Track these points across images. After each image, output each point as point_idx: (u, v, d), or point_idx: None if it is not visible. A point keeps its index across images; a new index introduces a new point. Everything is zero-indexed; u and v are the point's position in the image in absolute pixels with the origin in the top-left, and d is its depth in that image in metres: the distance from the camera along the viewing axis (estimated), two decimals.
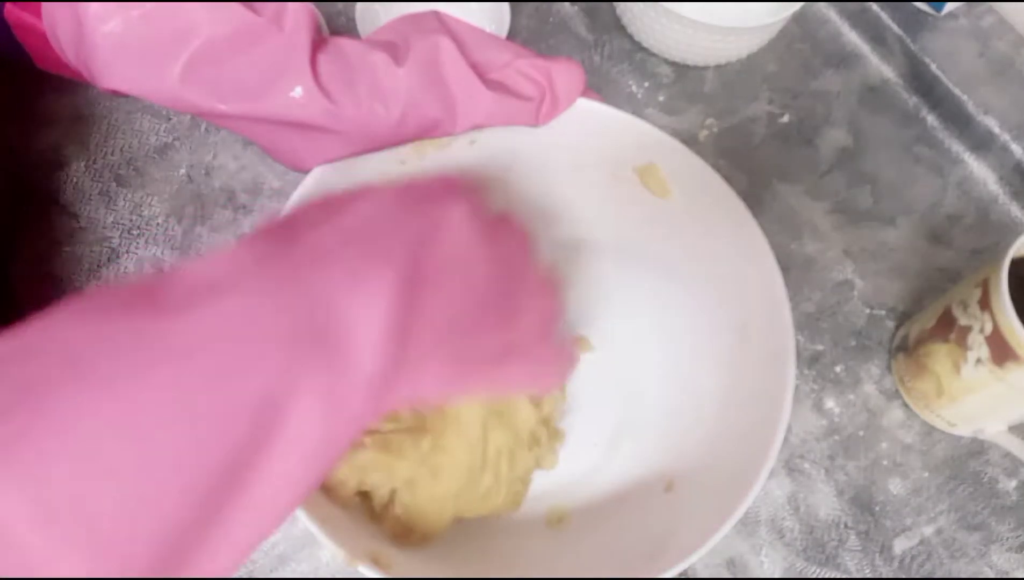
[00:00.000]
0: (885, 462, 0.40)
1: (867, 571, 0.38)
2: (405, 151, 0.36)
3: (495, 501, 0.33)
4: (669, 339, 0.38)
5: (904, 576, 0.38)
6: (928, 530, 0.39)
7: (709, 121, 0.48)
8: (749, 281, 0.35)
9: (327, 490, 0.31)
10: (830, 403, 0.41)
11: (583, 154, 0.38)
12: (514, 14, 0.48)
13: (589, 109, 0.36)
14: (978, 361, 0.35)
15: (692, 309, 0.38)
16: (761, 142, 0.48)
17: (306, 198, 0.33)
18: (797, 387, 0.41)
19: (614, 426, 0.37)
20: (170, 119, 0.45)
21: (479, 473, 0.32)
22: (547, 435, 0.36)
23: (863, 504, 0.39)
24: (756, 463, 0.30)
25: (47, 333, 0.16)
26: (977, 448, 0.41)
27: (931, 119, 0.49)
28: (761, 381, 0.33)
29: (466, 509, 0.32)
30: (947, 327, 0.37)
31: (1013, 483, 0.40)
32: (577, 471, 0.36)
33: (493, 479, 0.33)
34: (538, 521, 0.35)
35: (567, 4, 0.51)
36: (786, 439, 0.40)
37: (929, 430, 0.41)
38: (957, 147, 0.49)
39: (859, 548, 0.38)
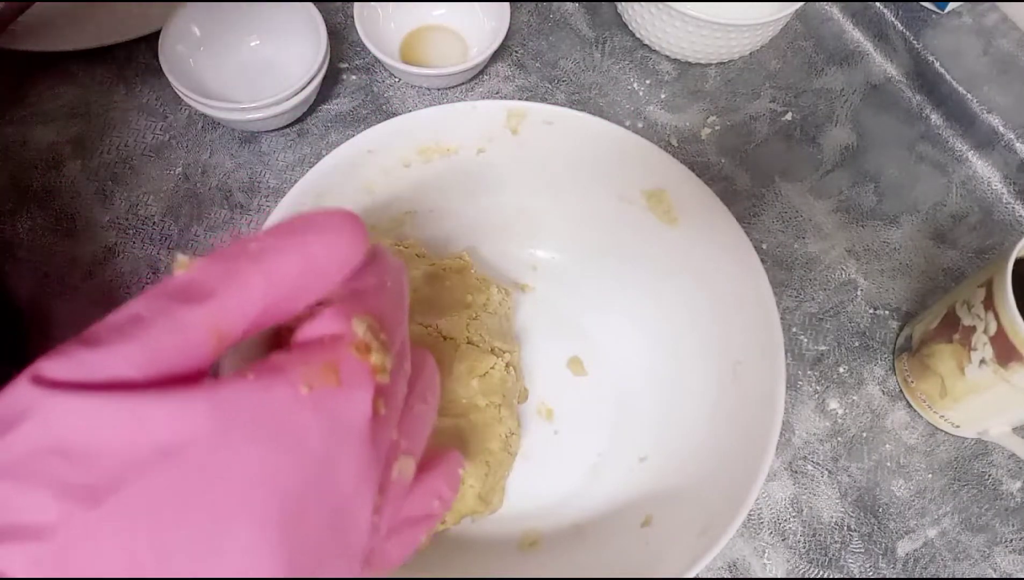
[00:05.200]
0: (889, 464, 0.40)
1: (870, 573, 0.37)
2: (410, 154, 0.36)
3: (466, 504, 0.32)
4: (662, 370, 0.38)
5: (908, 578, 0.37)
6: (932, 532, 0.38)
7: (711, 119, 0.48)
8: (746, 319, 0.34)
9: None
10: (833, 404, 0.41)
11: (591, 171, 0.37)
12: (514, 11, 0.48)
13: (600, 128, 0.36)
14: (982, 362, 0.35)
15: (686, 342, 0.37)
16: (764, 140, 0.47)
17: (302, 198, 0.33)
18: (800, 388, 0.41)
19: (598, 452, 0.37)
20: (166, 117, 0.44)
21: None
22: (504, 403, 0.34)
23: (866, 506, 0.39)
24: (735, 503, 0.30)
25: None
26: (981, 450, 0.40)
27: (935, 117, 0.49)
28: (749, 423, 0.32)
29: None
30: (951, 327, 0.37)
31: (1017, 484, 0.40)
32: (556, 495, 0.36)
33: None
34: (511, 543, 0.34)
35: (568, 1, 0.50)
36: (789, 440, 0.40)
37: (933, 431, 0.41)
38: (961, 146, 0.48)
39: (862, 550, 0.38)
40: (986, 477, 0.40)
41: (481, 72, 0.48)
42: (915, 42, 0.49)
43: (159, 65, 0.40)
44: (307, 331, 0.20)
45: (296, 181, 0.33)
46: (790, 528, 0.38)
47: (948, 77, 0.48)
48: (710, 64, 0.49)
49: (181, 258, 0.19)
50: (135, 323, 0.17)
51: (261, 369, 0.18)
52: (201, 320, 0.17)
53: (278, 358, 0.18)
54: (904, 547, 0.38)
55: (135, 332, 0.17)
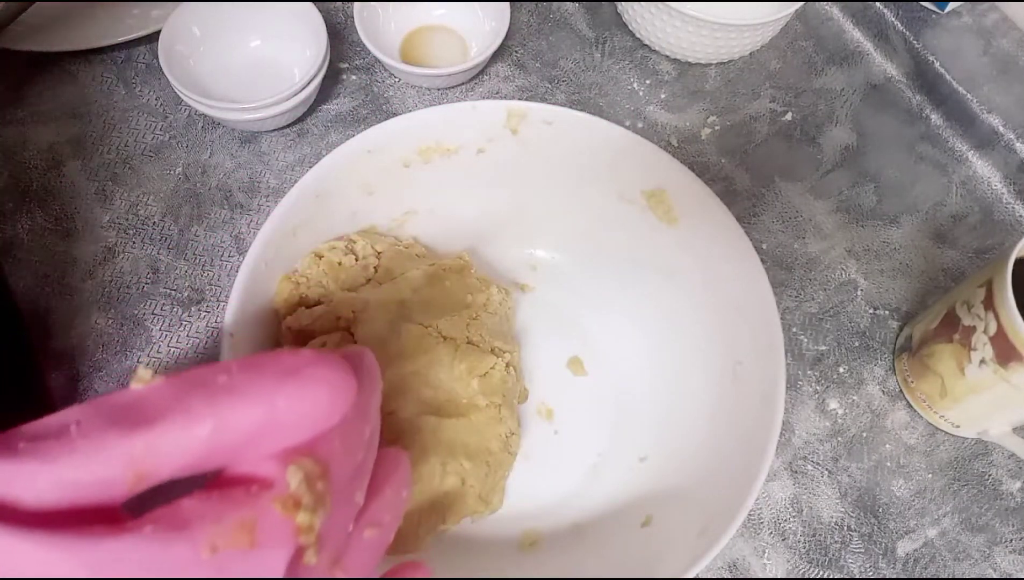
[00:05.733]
0: (889, 464, 0.40)
1: (870, 573, 0.37)
2: (410, 154, 0.36)
3: (466, 504, 0.32)
4: (662, 370, 0.38)
5: (908, 578, 0.37)
6: (932, 532, 0.38)
7: (711, 119, 0.48)
8: (746, 319, 0.34)
9: None
10: (833, 404, 0.41)
11: (591, 171, 0.37)
12: (514, 11, 0.48)
13: (600, 127, 0.36)
14: (982, 362, 0.35)
15: (686, 343, 0.37)
16: (764, 140, 0.47)
17: (302, 198, 0.33)
18: (800, 388, 0.41)
19: (598, 452, 0.37)
20: (166, 117, 0.44)
21: (439, 481, 0.31)
22: (504, 403, 0.34)
23: (866, 506, 0.39)
24: (735, 503, 0.29)
25: None
26: (981, 450, 0.40)
27: (935, 117, 0.49)
28: (750, 423, 0.32)
29: (438, 517, 0.32)
30: (951, 327, 0.37)
31: (1017, 484, 0.40)
32: (556, 495, 0.36)
33: (458, 481, 0.32)
34: (511, 543, 0.34)
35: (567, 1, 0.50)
36: (789, 440, 0.40)
37: (933, 431, 0.41)
38: (961, 146, 0.48)
39: (862, 550, 0.38)
40: (986, 477, 0.40)
41: (481, 72, 0.48)
42: (915, 42, 0.49)
43: (159, 65, 0.40)
44: (238, 467, 0.18)
45: (296, 181, 0.33)
46: (790, 528, 0.38)
47: (948, 77, 0.48)
48: (710, 64, 0.49)
49: (141, 372, 0.17)
50: (58, 438, 0.16)
51: (163, 521, 0.16)
52: (124, 455, 0.16)
53: (189, 507, 0.16)
54: (904, 547, 0.38)
55: (51, 452, 0.15)
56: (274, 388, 0.17)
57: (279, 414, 0.17)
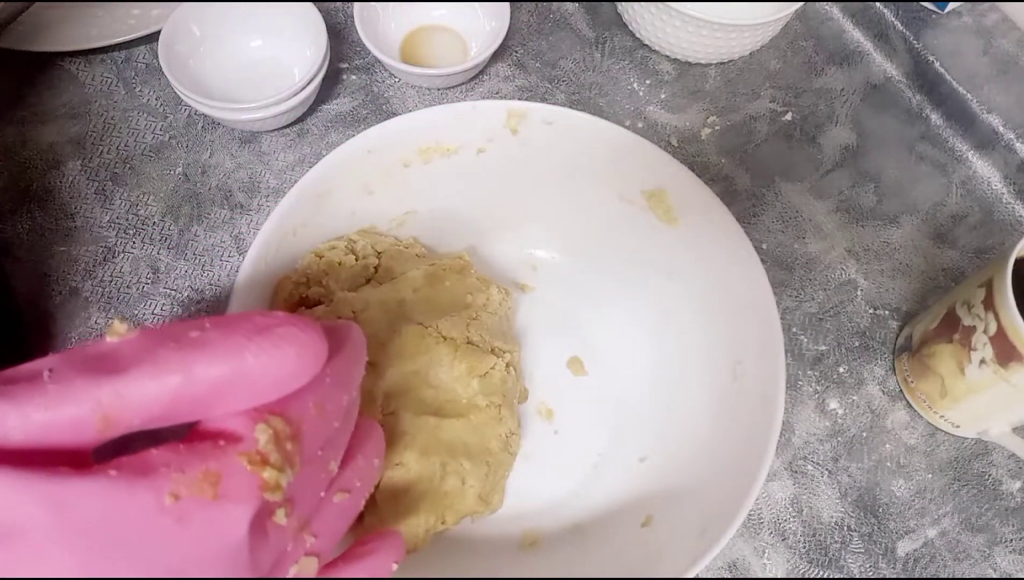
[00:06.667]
0: (889, 464, 0.40)
1: (870, 573, 0.37)
2: (410, 154, 0.36)
3: (466, 504, 0.32)
4: (662, 370, 0.38)
5: (908, 578, 0.37)
6: (932, 532, 0.38)
7: (711, 119, 0.48)
8: (746, 319, 0.34)
9: None
10: (833, 404, 0.41)
11: (591, 171, 0.37)
12: (514, 11, 0.48)
13: (600, 127, 0.36)
14: (982, 362, 0.35)
15: (686, 343, 0.37)
16: (764, 140, 0.47)
17: (302, 198, 0.33)
18: (800, 388, 0.41)
19: (598, 452, 0.37)
20: (166, 117, 0.44)
21: (440, 481, 0.31)
22: (504, 403, 0.34)
23: (866, 506, 0.39)
24: (735, 504, 0.29)
25: None
26: (981, 449, 0.40)
27: (935, 117, 0.49)
28: (750, 423, 0.32)
29: (438, 517, 0.32)
30: (951, 327, 0.37)
31: (1017, 484, 0.40)
32: (556, 495, 0.36)
33: (458, 481, 0.32)
34: (511, 543, 0.34)
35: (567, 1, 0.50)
36: (789, 440, 0.40)
37: (933, 431, 0.41)
38: (961, 146, 0.48)
39: (862, 550, 0.38)
40: (986, 477, 0.40)
41: (481, 72, 0.48)
42: (915, 42, 0.49)
43: (159, 65, 0.40)
44: (209, 422, 0.18)
45: (296, 181, 0.33)
46: (790, 528, 0.38)
47: (948, 77, 0.48)
48: (710, 64, 0.49)
49: (117, 326, 0.17)
50: (30, 382, 0.16)
51: (128, 467, 0.16)
52: (92, 399, 0.16)
53: (155, 455, 0.17)
54: (904, 547, 0.38)
55: (22, 394, 0.16)
56: (244, 344, 0.17)
57: (248, 369, 0.17)
